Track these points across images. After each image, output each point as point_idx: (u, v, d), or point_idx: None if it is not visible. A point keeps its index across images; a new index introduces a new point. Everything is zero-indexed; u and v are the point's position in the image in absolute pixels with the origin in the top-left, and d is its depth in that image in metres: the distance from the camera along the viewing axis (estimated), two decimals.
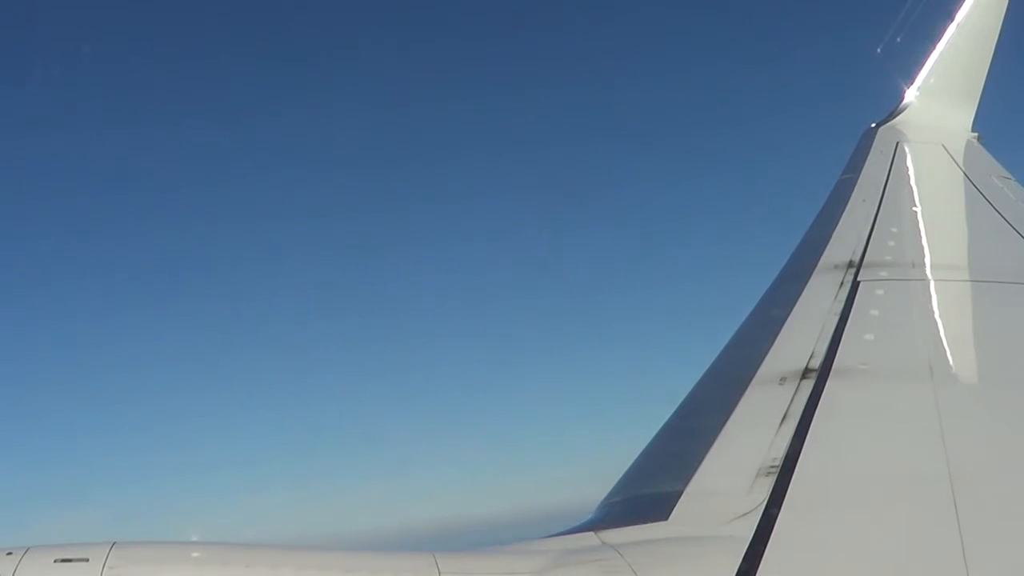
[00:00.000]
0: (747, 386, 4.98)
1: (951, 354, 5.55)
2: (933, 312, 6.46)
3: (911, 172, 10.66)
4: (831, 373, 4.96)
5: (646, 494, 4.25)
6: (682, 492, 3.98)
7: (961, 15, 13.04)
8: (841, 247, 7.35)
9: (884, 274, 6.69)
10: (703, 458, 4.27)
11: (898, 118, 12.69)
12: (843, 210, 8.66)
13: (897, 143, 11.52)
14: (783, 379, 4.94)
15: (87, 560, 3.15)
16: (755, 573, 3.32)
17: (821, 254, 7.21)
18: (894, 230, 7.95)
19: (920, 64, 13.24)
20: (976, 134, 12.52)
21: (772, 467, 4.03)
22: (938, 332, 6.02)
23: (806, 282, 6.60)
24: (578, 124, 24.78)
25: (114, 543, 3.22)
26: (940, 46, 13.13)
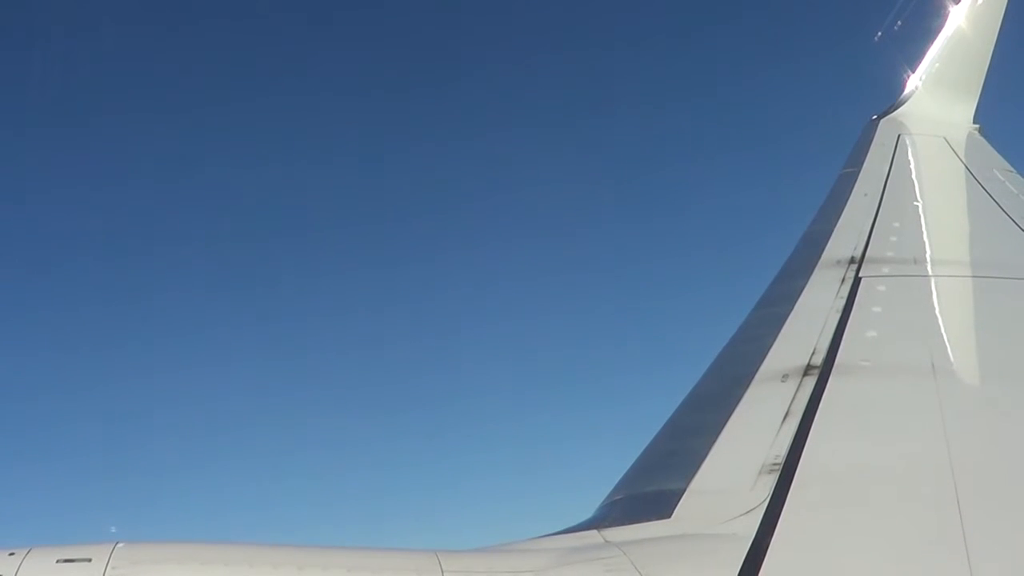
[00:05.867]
0: (749, 383, 4.98)
1: (953, 350, 5.54)
2: (935, 308, 6.45)
3: (912, 165, 10.66)
4: (833, 370, 4.96)
5: (649, 492, 4.24)
6: (685, 490, 3.98)
7: (963, 5, 13.02)
8: (843, 243, 7.35)
9: (886, 270, 6.68)
10: (706, 456, 4.27)
11: (900, 110, 12.69)
12: (845, 205, 8.66)
13: (899, 135, 11.52)
14: (785, 376, 4.93)
15: (90, 560, 3.13)
16: (758, 571, 3.30)
17: (823, 250, 7.22)
18: (896, 225, 7.96)
19: (921, 55, 13.24)
20: (978, 125, 12.52)
21: (775, 464, 4.02)
22: (940, 328, 6.01)
23: (808, 278, 6.60)
24: (575, 121, 24.62)
25: (117, 543, 3.21)
26: (942, 37, 13.11)
